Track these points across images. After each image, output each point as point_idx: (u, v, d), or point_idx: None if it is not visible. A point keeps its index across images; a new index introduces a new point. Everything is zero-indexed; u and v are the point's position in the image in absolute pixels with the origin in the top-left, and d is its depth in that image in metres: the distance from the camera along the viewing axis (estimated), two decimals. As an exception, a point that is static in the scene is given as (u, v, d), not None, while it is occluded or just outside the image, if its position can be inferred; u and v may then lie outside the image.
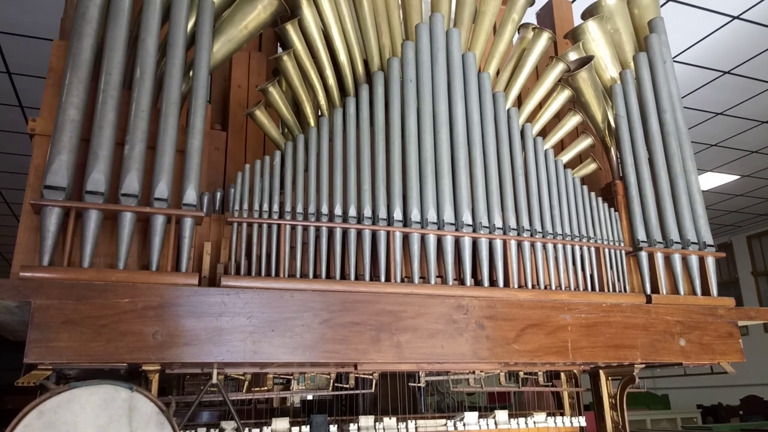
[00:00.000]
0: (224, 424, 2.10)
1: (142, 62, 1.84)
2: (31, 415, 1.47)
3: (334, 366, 2.17)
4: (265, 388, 2.29)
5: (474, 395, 4.94)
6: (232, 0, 2.23)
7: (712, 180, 8.02)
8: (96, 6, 1.82)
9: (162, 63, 1.97)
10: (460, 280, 2.12)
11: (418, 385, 2.45)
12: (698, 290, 2.42)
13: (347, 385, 2.37)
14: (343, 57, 2.40)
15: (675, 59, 5.12)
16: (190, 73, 2.05)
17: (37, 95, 5.23)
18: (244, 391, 2.24)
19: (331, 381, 2.34)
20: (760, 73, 5.48)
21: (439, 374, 2.54)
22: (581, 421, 2.75)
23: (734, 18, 4.65)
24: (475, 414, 2.56)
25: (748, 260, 10.69)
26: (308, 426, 2.25)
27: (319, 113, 2.41)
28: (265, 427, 2.17)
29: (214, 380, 1.93)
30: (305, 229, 1.97)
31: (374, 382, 2.40)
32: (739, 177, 8.05)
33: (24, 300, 1.50)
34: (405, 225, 2.07)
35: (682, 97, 5.74)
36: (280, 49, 2.74)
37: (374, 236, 2.02)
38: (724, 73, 5.47)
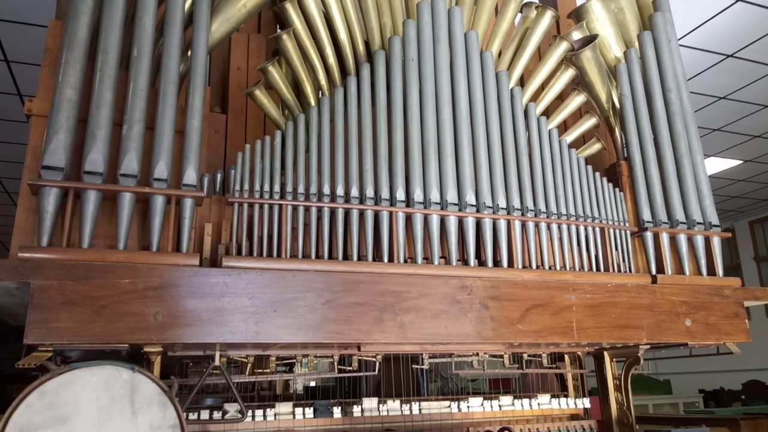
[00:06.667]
0: (227, 406, 2.09)
1: (140, 41, 1.81)
2: (32, 396, 1.45)
3: (338, 347, 2.16)
4: (269, 370, 2.28)
5: (477, 381, 4.94)
6: (231, -21, 2.19)
7: (714, 165, 7.98)
8: (92, -16, 1.78)
9: (159, 42, 1.94)
10: (464, 261, 2.10)
11: (422, 367, 2.44)
12: (704, 270, 2.40)
13: (350, 368, 2.36)
14: (343, 36, 2.37)
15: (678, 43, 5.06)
16: (189, 53, 2.02)
17: (36, 83, 5.19)
18: (247, 373, 2.23)
19: (335, 363, 2.32)
20: (763, 56, 5.43)
21: (443, 356, 2.53)
22: (585, 402, 2.74)
23: (737, 0, 4.60)
24: (480, 399, 2.56)
25: (750, 245, 10.67)
26: (312, 409, 2.24)
27: (320, 93, 2.37)
28: (268, 410, 2.16)
29: (217, 362, 1.92)
30: (307, 209, 1.94)
31: (377, 364, 2.39)
32: (741, 162, 8.01)
33: (23, 281, 1.48)
34: (408, 205, 2.04)
35: (685, 81, 5.68)
36: (279, 31, 2.70)
37: (377, 216, 2.00)
38: (727, 56, 5.41)
